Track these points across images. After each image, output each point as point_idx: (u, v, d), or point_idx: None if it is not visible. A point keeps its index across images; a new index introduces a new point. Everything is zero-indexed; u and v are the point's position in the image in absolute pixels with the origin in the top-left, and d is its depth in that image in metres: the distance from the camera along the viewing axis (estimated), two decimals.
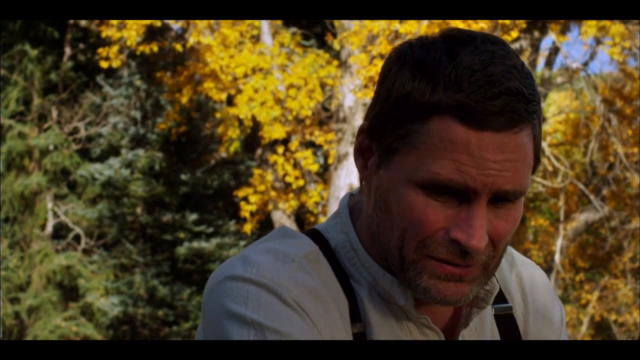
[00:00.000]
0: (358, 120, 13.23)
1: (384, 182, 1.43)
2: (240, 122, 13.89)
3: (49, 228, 18.87)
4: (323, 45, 16.12)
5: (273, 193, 14.16)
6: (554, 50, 16.23)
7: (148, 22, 13.41)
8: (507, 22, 12.27)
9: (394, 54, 1.45)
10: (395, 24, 11.82)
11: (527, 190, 1.40)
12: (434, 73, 1.37)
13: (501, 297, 1.58)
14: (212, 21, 13.36)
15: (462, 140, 1.35)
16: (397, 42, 1.49)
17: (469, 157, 1.35)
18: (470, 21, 10.99)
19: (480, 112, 1.34)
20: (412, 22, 11.65)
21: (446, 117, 1.36)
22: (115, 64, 14.02)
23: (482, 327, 1.54)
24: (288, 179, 13.74)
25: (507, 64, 1.37)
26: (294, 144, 13.83)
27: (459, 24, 10.43)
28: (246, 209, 14.00)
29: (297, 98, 12.96)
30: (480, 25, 11.29)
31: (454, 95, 1.35)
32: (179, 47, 14.23)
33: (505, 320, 1.57)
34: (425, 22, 11.62)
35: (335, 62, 13.51)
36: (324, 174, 15.86)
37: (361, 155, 1.48)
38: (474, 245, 1.37)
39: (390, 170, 1.42)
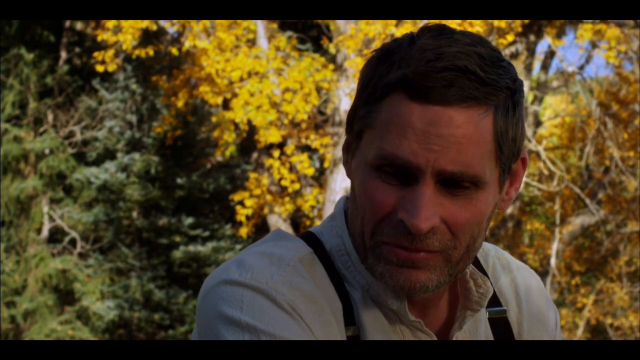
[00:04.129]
0: None
1: (352, 170, 1.45)
2: (236, 125, 13.87)
3: (45, 232, 18.84)
4: (319, 49, 16.12)
5: (269, 197, 14.15)
6: (550, 54, 16.26)
7: (144, 25, 13.40)
8: (503, 25, 12.28)
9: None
10: (391, 28, 11.82)
11: (480, 176, 1.37)
12: (394, 57, 1.39)
13: (495, 301, 1.58)
14: (207, 25, 13.34)
15: (407, 113, 1.36)
16: None
17: (412, 131, 1.35)
18: (466, 23, 10.99)
19: (424, 84, 1.34)
20: (408, 25, 11.65)
21: (396, 94, 1.37)
22: (111, 67, 13.99)
23: (476, 331, 1.54)
24: (284, 182, 13.73)
25: (467, 49, 1.36)
26: (289, 148, 13.82)
27: (454, 24, 10.42)
28: (242, 213, 13.98)
29: (293, 102, 12.94)
30: (477, 29, 11.28)
31: (402, 71, 1.36)
32: (174, 50, 14.22)
33: (500, 324, 1.57)
34: (420, 25, 11.60)
35: (331, 66, 13.50)
36: (320, 178, 15.85)
37: (346, 151, 1.49)
38: (415, 224, 1.35)
39: (356, 157, 1.44)
